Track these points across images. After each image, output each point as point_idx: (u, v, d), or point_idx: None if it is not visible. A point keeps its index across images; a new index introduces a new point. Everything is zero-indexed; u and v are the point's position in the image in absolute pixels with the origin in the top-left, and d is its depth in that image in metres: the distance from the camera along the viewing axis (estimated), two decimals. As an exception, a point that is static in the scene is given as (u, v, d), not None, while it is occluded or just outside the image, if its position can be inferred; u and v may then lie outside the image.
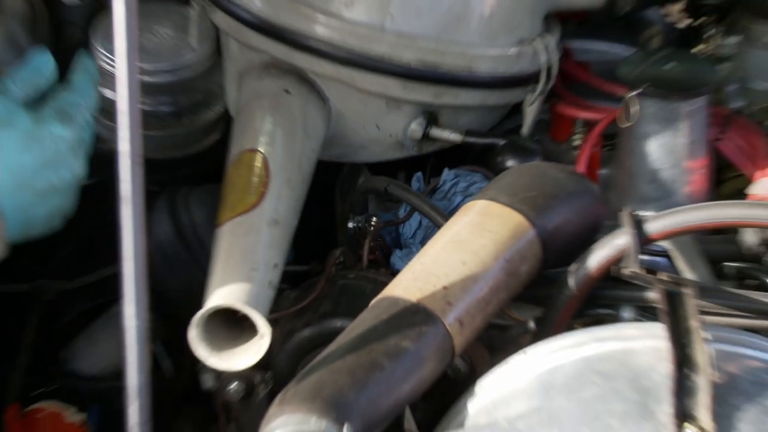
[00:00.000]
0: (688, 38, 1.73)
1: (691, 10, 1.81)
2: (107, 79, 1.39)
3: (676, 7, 1.82)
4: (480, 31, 1.42)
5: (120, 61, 0.93)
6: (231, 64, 1.50)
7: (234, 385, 1.24)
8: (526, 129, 1.48)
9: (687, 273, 1.26)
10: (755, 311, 1.15)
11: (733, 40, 1.59)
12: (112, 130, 0.93)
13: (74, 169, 1.21)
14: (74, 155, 1.22)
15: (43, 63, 1.25)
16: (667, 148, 1.39)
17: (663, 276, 1.10)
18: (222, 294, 1.14)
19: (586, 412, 0.97)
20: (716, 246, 1.37)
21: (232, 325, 1.15)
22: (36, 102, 1.23)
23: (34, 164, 1.18)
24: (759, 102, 1.55)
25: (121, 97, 0.93)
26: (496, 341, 1.17)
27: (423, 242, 1.24)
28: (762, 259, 1.36)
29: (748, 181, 1.46)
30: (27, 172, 1.18)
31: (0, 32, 1.49)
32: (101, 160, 1.20)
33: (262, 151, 1.29)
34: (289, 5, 1.39)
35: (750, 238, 1.37)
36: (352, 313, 1.10)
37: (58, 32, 1.64)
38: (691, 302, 1.01)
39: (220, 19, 1.45)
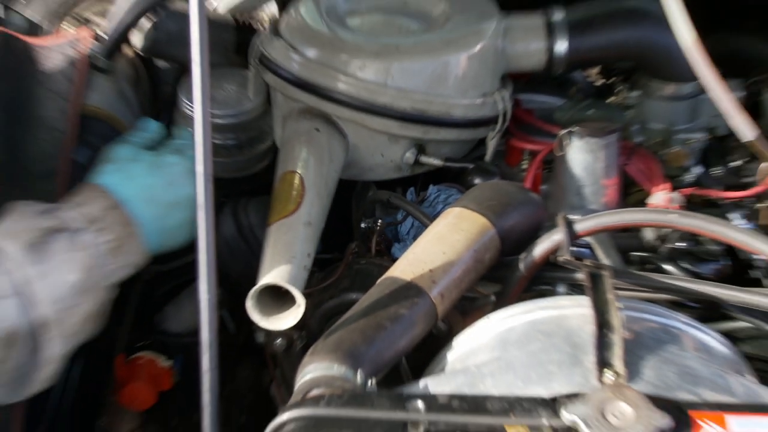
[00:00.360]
0: (603, 92, 1.72)
1: (605, 72, 1.80)
2: (189, 121, 1.38)
3: (594, 70, 1.82)
4: (455, 87, 1.41)
5: (197, 107, 0.92)
6: (277, 110, 1.49)
7: (279, 341, 1.24)
8: (488, 156, 1.47)
9: (604, 260, 1.26)
10: (653, 287, 1.15)
11: (635, 93, 1.58)
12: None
13: (189, 188, 1.20)
14: (188, 178, 1.21)
15: (153, 126, 1.29)
16: (589, 170, 1.38)
17: (587, 262, 1.10)
18: (270, 275, 1.14)
19: (533, 361, 0.95)
20: (625, 240, 1.36)
21: (277, 297, 1.15)
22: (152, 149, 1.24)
23: (159, 183, 1.19)
24: (654, 138, 1.54)
25: (198, 133, 0.92)
26: (467, 309, 1.16)
27: (415, 237, 1.23)
28: (657, 250, 1.35)
29: (647, 194, 1.45)
30: (154, 189, 1.18)
31: (114, 89, 1.48)
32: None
33: (299, 172, 1.29)
34: (319, 68, 1.39)
35: (649, 234, 1.37)
36: (364, 288, 1.09)
37: (155, 88, 1.63)
38: (608, 281, 1.01)
39: (270, 78, 1.45)
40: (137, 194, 1.17)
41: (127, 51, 1.57)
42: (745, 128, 1.32)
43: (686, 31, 1.27)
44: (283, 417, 0.88)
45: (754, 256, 1.36)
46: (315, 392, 0.95)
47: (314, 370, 0.97)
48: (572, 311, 1.02)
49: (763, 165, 1.44)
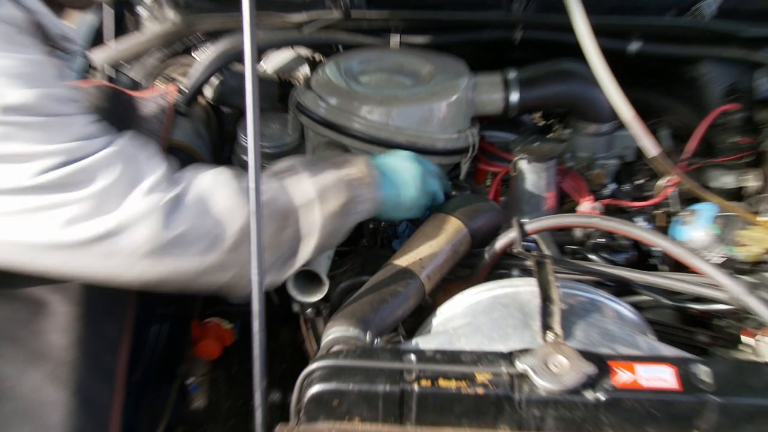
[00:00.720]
0: (544, 130, 1.71)
1: (545, 115, 1.79)
2: (244, 150, 1.37)
3: (538, 114, 1.80)
4: (438, 126, 1.40)
5: (250, 141, 0.91)
6: (309, 142, 1.48)
7: (309, 310, 1.22)
8: (462, 176, 1.46)
9: (546, 251, 1.24)
10: (581, 271, 1.14)
11: (568, 131, 1.57)
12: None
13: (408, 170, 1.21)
14: (412, 162, 1.22)
15: None
16: (535, 186, 1.37)
17: (534, 253, 1.09)
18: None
19: (495, 325, 0.95)
20: (561, 237, 1.36)
21: (309, 278, 1.15)
22: None
23: (397, 164, 1.21)
24: (581, 163, 1.54)
25: (250, 159, 0.91)
26: (447, 287, 1.14)
27: (408, 235, 1.21)
28: (584, 244, 1.34)
29: (576, 204, 1.45)
30: (397, 171, 1.19)
31: (192, 128, 1.48)
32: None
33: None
34: (338, 112, 1.38)
35: (578, 233, 1.37)
36: (372, 272, 1.09)
37: (221, 127, 1.62)
38: (549, 267, 1.00)
39: (304, 119, 1.43)
40: (384, 164, 1.18)
41: (201, 100, 1.56)
42: (650, 147, 1.32)
43: (625, 110, 1.31)
44: (313, 366, 0.87)
45: (653, 248, 1.36)
46: (336, 348, 0.94)
47: (335, 332, 0.97)
48: (524, 289, 1.01)
49: (659, 183, 1.45)
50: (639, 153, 1.53)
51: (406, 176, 1.19)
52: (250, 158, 0.94)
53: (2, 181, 0.89)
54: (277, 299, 1.35)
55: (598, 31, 1.46)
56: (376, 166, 1.16)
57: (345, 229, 1.11)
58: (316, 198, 1.07)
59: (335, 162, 1.14)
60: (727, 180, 1.44)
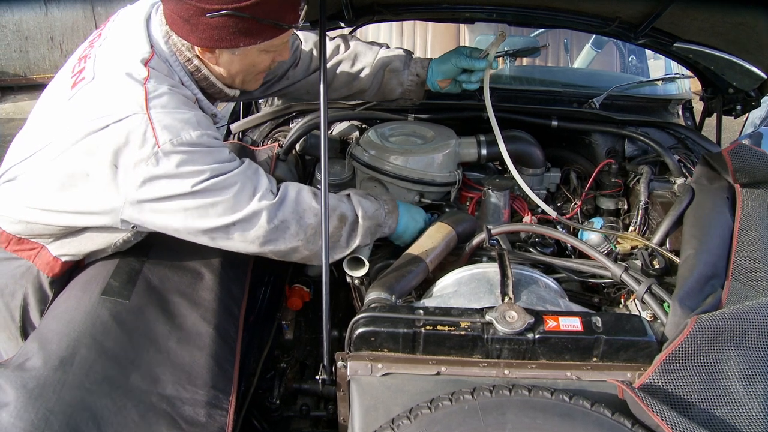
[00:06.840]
0: (500, 171, 1.64)
1: (502, 163, 1.68)
2: (318, 183, 1.35)
3: (497, 162, 1.70)
4: (437, 168, 1.37)
5: (323, 178, 0.89)
6: (357, 178, 1.46)
7: (357, 281, 1.19)
8: (452, 199, 1.43)
9: (504, 246, 1.20)
10: (525, 258, 1.12)
11: (516, 172, 1.51)
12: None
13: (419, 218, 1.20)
14: (420, 214, 1.21)
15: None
16: (496, 206, 1.33)
17: (497, 247, 1.07)
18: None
19: (472, 292, 0.93)
20: (512, 237, 1.31)
21: (357, 261, 1.12)
22: None
23: (412, 210, 1.20)
24: (523, 192, 1.47)
25: (323, 188, 0.90)
26: (442, 267, 1.11)
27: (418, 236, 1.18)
28: (527, 241, 1.30)
29: (521, 217, 1.40)
30: (409, 212, 1.18)
31: (287, 168, 1.46)
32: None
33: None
34: (376, 159, 1.36)
35: (522, 234, 1.32)
36: (396, 258, 1.07)
37: (305, 168, 1.59)
38: (506, 256, 0.99)
39: (354, 164, 1.42)
40: (402, 209, 1.17)
41: (293, 152, 1.55)
42: (545, 206, 1.27)
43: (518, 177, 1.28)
44: (358, 316, 0.87)
45: (568, 245, 1.31)
46: (373, 305, 0.93)
47: (373, 295, 0.96)
48: (490, 269, 0.99)
49: (572, 205, 1.41)
50: (558, 186, 1.50)
51: (415, 216, 1.18)
52: (323, 187, 0.93)
53: (175, 190, 0.90)
54: (337, 273, 1.33)
55: (534, 114, 1.46)
56: (400, 206, 1.16)
57: (374, 238, 1.11)
58: (361, 217, 1.07)
59: (378, 196, 1.14)
60: (609, 203, 1.44)
